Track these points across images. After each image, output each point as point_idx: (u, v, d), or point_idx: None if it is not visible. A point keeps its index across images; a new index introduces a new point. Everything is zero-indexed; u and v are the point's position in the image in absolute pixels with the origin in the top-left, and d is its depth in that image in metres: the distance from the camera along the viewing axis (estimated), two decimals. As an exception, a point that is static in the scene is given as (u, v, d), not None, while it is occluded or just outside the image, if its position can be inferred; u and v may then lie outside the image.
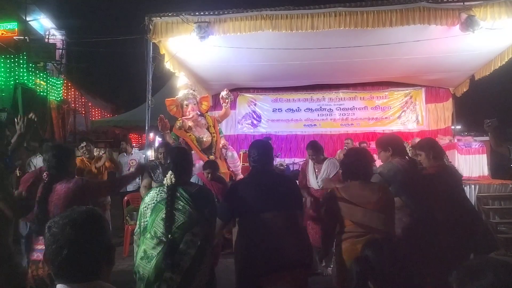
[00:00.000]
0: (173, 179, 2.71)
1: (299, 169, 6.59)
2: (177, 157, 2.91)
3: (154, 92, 9.22)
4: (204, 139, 6.82)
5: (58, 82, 16.93)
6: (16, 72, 13.34)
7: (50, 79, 16.30)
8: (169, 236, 2.53)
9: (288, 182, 3.16)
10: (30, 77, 14.29)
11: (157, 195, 2.74)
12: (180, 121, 6.87)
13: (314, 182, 5.27)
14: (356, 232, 2.76)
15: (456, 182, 3.65)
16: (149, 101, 6.91)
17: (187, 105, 6.97)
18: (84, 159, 5.68)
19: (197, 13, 6.68)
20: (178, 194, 2.68)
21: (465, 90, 10.21)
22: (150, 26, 6.80)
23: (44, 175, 3.00)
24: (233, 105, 10.37)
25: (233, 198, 3.01)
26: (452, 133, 10.67)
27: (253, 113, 11.25)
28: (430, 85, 10.78)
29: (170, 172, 2.73)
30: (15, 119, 3.43)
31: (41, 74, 15.56)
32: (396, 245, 1.90)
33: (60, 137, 16.65)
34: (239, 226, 2.96)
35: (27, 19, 15.45)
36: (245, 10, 6.62)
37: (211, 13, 6.66)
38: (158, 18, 6.78)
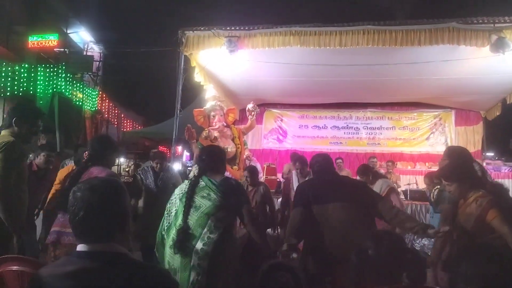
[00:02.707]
0: (196, 172, 2.92)
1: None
2: (207, 154, 3.09)
3: (184, 106, 9.47)
4: (228, 150, 6.92)
5: (93, 93, 17.54)
6: (55, 82, 13.93)
7: (86, 90, 16.92)
8: (184, 222, 2.68)
9: (355, 181, 3.37)
10: (68, 87, 14.88)
11: (186, 186, 2.91)
12: (207, 131, 7.01)
13: None
14: None
15: None
16: (178, 111, 7.10)
17: (214, 116, 7.10)
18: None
19: (228, 28, 6.89)
20: (204, 183, 2.84)
21: (497, 113, 10.00)
22: (183, 39, 7.05)
23: (85, 154, 3.12)
24: (259, 120, 10.51)
25: (303, 197, 3.20)
26: (481, 157, 10.43)
27: (279, 129, 11.35)
28: (460, 108, 10.62)
29: (195, 166, 2.96)
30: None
31: (78, 85, 16.17)
32: (397, 238, 1.91)
33: (92, 146, 17.13)
34: (310, 221, 3.12)
35: (68, 31, 16.17)
36: (275, 26, 6.78)
37: (241, 28, 6.86)
38: (191, 32, 7.03)
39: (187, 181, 3.00)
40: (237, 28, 6.87)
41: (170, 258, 2.69)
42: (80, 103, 16.02)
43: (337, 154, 10.22)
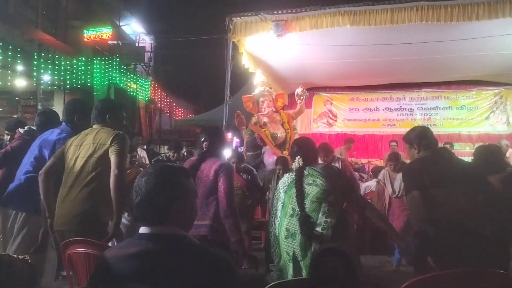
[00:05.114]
0: (301, 162, 2.87)
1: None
2: (303, 144, 3.09)
3: (233, 93, 9.57)
4: (278, 135, 6.96)
5: (146, 83, 18.08)
6: (110, 73, 14.49)
7: (139, 80, 17.47)
8: (303, 209, 2.71)
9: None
10: (122, 78, 15.43)
11: (287, 179, 2.93)
12: (256, 117, 7.07)
13: None
14: None
15: None
16: (227, 98, 7.20)
17: (262, 102, 7.16)
18: None
19: (275, 12, 6.85)
20: (306, 172, 2.84)
21: None
22: (231, 26, 7.09)
23: (204, 145, 3.15)
24: (308, 104, 10.40)
25: (417, 179, 2.86)
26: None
27: (329, 112, 11.18)
28: (524, 84, 9.96)
29: (298, 157, 2.90)
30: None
31: (132, 76, 16.72)
32: (456, 222, 1.84)
33: (147, 135, 17.79)
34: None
35: (120, 24, 16.69)
36: (323, 7, 6.66)
37: (289, 11, 6.79)
38: (238, 18, 7.05)
39: (288, 174, 3.00)
40: (284, 11, 6.81)
41: (287, 247, 2.76)
42: (134, 94, 16.58)
43: (390, 137, 9.97)
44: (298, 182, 2.80)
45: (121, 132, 2.98)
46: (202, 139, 3.19)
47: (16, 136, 3.92)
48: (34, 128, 3.84)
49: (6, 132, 4.44)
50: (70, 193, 2.87)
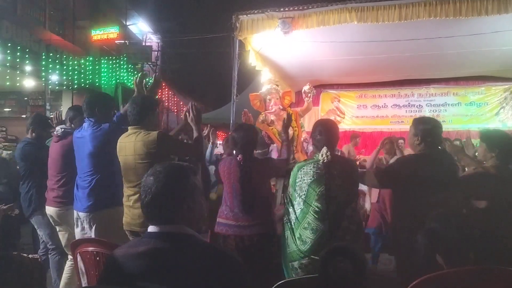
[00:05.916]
0: (329, 156, 2.69)
1: None
2: (329, 131, 2.87)
3: (240, 91, 9.56)
4: (286, 133, 6.92)
5: (153, 82, 18.13)
6: (117, 73, 14.55)
7: (147, 80, 17.53)
8: (330, 212, 2.63)
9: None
10: (129, 78, 15.49)
11: (312, 171, 2.74)
12: (263, 115, 7.04)
13: None
14: None
15: None
16: (234, 96, 7.18)
17: (270, 100, 7.12)
18: None
19: (281, 9, 6.82)
20: (335, 171, 2.69)
21: None
22: (237, 24, 7.07)
23: (239, 158, 3.08)
24: (316, 102, 10.37)
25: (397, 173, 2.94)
26: (560, 131, 9.64)
27: (336, 110, 11.14)
28: (534, 80, 9.84)
29: (325, 148, 2.72)
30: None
31: (139, 75, 16.77)
32: (464, 218, 1.82)
33: (154, 134, 17.86)
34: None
35: (127, 23, 16.75)
36: (330, 4, 6.62)
37: (295, 8, 6.76)
38: (245, 15, 7.02)
39: (309, 163, 2.85)
40: (291, 8, 6.78)
41: (305, 236, 2.70)
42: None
43: (398, 134, 9.91)
44: (328, 182, 2.66)
45: (156, 134, 3.01)
46: (236, 150, 3.18)
47: (54, 140, 3.87)
48: (67, 128, 3.84)
49: (36, 128, 4.28)
50: (134, 196, 3.05)
